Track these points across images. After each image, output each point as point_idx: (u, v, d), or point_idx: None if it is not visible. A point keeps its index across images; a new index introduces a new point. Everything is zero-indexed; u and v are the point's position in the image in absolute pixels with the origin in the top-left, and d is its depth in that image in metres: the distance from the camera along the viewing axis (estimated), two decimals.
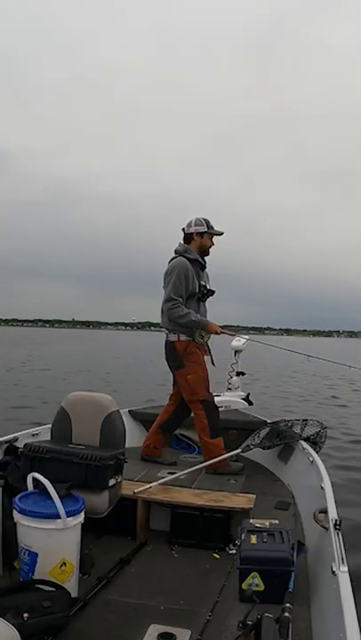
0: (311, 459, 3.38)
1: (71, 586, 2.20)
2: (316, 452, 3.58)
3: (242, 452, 3.74)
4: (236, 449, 3.70)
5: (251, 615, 1.75)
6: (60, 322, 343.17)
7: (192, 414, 3.83)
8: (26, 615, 1.82)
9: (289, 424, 4.07)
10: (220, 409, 4.55)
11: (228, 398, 4.70)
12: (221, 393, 4.81)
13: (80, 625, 2.05)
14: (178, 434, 4.44)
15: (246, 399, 4.78)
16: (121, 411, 2.92)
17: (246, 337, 5.10)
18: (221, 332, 3.84)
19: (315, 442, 3.92)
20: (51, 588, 2.07)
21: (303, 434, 3.97)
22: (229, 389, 4.85)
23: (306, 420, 4.15)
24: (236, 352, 4.88)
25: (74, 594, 2.19)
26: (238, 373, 4.85)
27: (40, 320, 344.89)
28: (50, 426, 2.96)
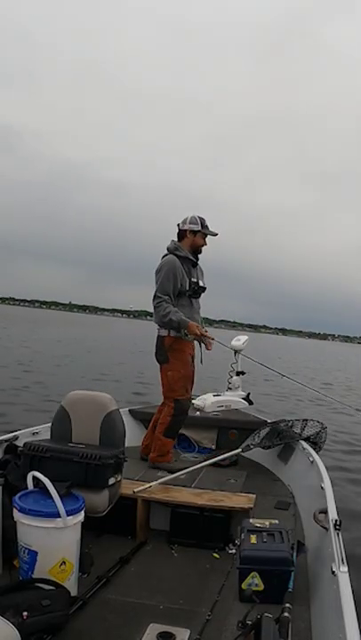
0: (311, 459, 3.38)
1: (71, 585, 2.20)
2: (317, 452, 3.58)
3: (242, 451, 3.74)
4: (236, 449, 3.70)
5: (250, 615, 1.75)
6: (56, 304, 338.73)
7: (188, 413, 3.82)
8: (25, 614, 1.81)
9: (289, 424, 4.07)
10: (220, 408, 4.55)
11: (228, 398, 4.69)
12: (221, 392, 4.80)
13: (79, 624, 2.05)
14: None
15: (246, 399, 4.77)
16: (121, 410, 2.92)
17: (246, 336, 5.08)
18: (202, 335, 3.73)
19: (315, 442, 3.92)
20: (50, 587, 2.07)
21: (303, 434, 3.97)
22: (230, 389, 4.84)
23: (306, 419, 4.15)
24: (235, 352, 4.87)
25: (73, 593, 2.19)
26: (238, 373, 4.84)
27: (37, 301, 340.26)
28: (50, 425, 2.96)
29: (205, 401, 4.52)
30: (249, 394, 4.84)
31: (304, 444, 3.80)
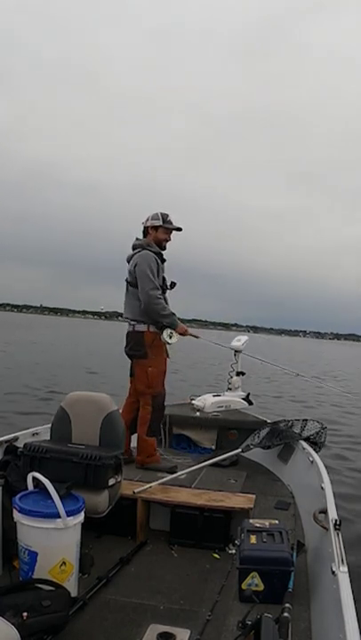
0: (311, 459, 3.38)
1: (71, 585, 2.20)
2: (316, 452, 3.58)
3: (242, 451, 3.74)
4: (236, 449, 3.70)
5: (250, 615, 1.75)
6: (28, 307, 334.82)
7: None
8: (25, 614, 1.82)
9: (289, 424, 4.07)
10: (220, 409, 4.55)
11: (228, 398, 4.70)
12: (222, 393, 4.81)
13: (80, 624, 2.05)
14: (177, 433, 4.45)
15: (246, 399, 4.77)
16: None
17: (246, 337, 5.08)
18: (189, 334, 3.83)
19: (315, 442, 3.92)
20: (50, 588, 2.07)
21: (303, 434, 3.97)
22: (230, 389, 4.84)
23: (306, 419, 4.15)
24: (235, 352, 4.87)
25: (73, 593, 2.19)
26: (238, 373, 4.84)
27: (8, 304, 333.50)
28: (50, 425, 2.97)
29: (205, 401, 4.52)
30: (249, 394, 4.85)
31: (304, 444, 3.80)
